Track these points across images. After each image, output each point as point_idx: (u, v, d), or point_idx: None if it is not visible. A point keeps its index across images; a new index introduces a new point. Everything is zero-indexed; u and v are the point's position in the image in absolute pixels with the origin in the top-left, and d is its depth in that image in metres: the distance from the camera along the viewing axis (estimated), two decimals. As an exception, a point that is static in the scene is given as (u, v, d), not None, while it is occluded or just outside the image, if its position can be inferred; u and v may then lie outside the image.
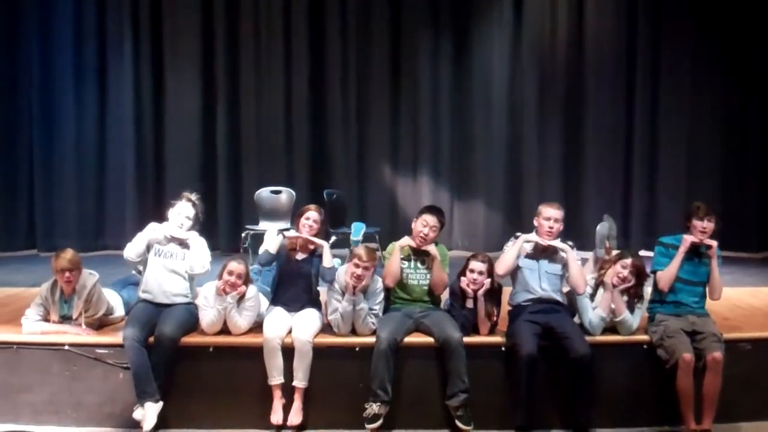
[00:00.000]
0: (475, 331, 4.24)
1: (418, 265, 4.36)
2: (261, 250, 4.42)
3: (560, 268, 4.28)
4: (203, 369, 4.18)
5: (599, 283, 4.30)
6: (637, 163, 8.17)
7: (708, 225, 4.21)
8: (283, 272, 4.39)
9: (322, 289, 4.46)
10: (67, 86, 8.06)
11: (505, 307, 4.38)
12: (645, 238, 7.64)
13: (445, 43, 8.22)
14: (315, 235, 4.35)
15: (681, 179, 8.09)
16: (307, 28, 8.14)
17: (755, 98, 8.08)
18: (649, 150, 8.16)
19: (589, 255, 5.67)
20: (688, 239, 4.23)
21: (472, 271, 4.18)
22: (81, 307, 4.21)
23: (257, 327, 4.26)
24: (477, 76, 8.28)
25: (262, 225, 6.80)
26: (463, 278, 4.21)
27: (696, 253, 4.28)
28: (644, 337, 4.22)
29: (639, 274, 4.21)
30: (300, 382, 4.07)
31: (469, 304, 4.19)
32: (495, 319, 4.29)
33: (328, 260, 4.32)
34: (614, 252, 4.73)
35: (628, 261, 4.20)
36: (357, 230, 6.13)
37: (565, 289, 4.34)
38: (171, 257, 4.32)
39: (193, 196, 4.42)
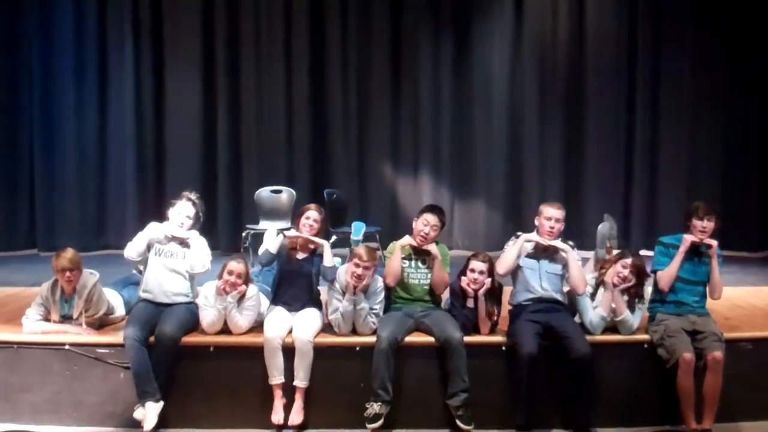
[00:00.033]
0: (476, 330, 4.24)
1: (419, 264, 4.36)
2: (261, 250, 4.42)
3: (561, 268, 4.28)
4: (204, 369, 4.18)
5: (600, 283, 4.30)
6: (637, 162, 8.17)
7: (708, 224, 4.21)
8: (284, 272, 4.39)
9: (323, 289, 4.47)
10: (67, 86, 8.07)
11: (506, 307, 4.38)
12: (645, 237, 7.63)
13: (445, 42, 8.23)
14: (315, 235, 4.35)
15: (681, 179, 8.08)
16: (307, 28, 8.15)
17: (756, 98, 8.07)
18: (649, 149, 8.15)
19: (590, 254, 5.67)
20: (688, 239, 4.22)
21: (472, 270, 4.18)
22: (81, 307, 4.21)
23: (258, 327, 4.26)
24: (477, 75, 8.28)
25: (263, 224, 6.80)
26: (463, 278, 4.21)
27: (696, 252, 4.28)
28: (645, 337, 4.22)
29: (639, 273, 4.20)
30: (301, 381, 4.07)
31: (470, 303, 4.19)
32: (495, 318, 4.30)
33: (328, 259, 4.32)
34: (615, 251, 4.73)
35: (629, 260, 4.19)
36: (357, 230, 6.13)
37: (566, 288, 4.34)
38: (171, 257, 4.32)
39: (194, 196, 4.42)
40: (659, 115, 8.13)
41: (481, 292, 4.16)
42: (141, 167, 8.16)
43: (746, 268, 7.06)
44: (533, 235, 4.30)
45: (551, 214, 4.24)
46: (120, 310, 4.50)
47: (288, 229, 4.95)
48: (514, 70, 8.23)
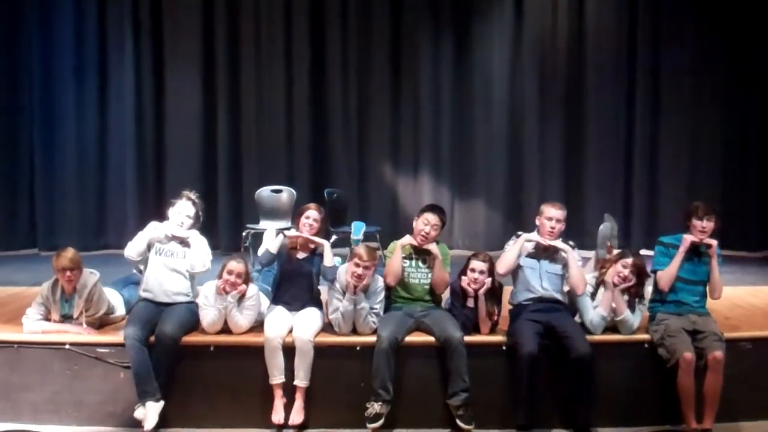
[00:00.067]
0: (476, 330, 4.24)
1: (420, 264, 4.36)
2: (261, 251, 4.42)
3: (561, 268, 4.28)
4: (204, 368, 4.18)
5: (600, 282, 4.30)
6: (637, 162, 8.17)
7: (707, 224, 4.21)
8: (284, 271, 4.39)
9: (323, 288, 4.47)
10: (67, 85, 8.08)
11: (506, 306, 4.38)
12: (646, 237, 7.63)
13: (445, 42, 8.23)
14: (315, 234, 4.35)
15: (682, 178, 8.08)
16: (307, 28, 8.15)
17: (756, 97, 8.07)
18: (649, 149, 8.15)
19: (590, 254, 5.67)
20: (687, 239, 4.22)
21: (473, 270, 4.18)
22: (82, 307, 4.21)
23: (258, 326, 4.26)
24: (477, 75, 8.28)
25: (263, 224, 6.80)
26: (463, 277, 4.21)
27: (696, 252, 4.27)
28: (645, 337, 4.22)
29: (640, 273, 4.20)
30: (301, 381, 4.07)
31: (470, 303, 4.19)
32: (496, 318, 4.30)
33: (328, 259, 4.32)
34: (615, 251, 4.72)
35: (629, 260, 4.19)
36: (357, 229, 6.13)
37: (566, 288, 4.34)
38: (172, 256, 4.32)
39: (193, 195, 4.43)
40: (659, 112, 8.13)
41: (482, 291, 4.16)
42: (141, 167, 8.16)
43: (746, 267, 7.06)
44: (534, 235, 4.30)
45: (552, 215, 4.24)
46: (120, 310, 4.50)
47: (288, 228, 4.95)
48: (514, 70, 8.24)
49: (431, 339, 4.14)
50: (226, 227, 8.07)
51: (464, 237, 8.29)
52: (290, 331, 4.15)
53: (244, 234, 7.00)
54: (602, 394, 4.12)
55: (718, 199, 7.44)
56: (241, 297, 4.19)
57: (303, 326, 4.14)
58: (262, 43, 8.20)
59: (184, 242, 4.34)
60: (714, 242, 4.22)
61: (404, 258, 4.34)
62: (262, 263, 4.45)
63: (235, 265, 4.17)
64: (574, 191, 8.12)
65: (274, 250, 4.34)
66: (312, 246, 4.39)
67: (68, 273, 4.13)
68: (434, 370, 4.14)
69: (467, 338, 4.09)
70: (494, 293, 4.26)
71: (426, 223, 4.28)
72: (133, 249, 4.30)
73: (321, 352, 4.12)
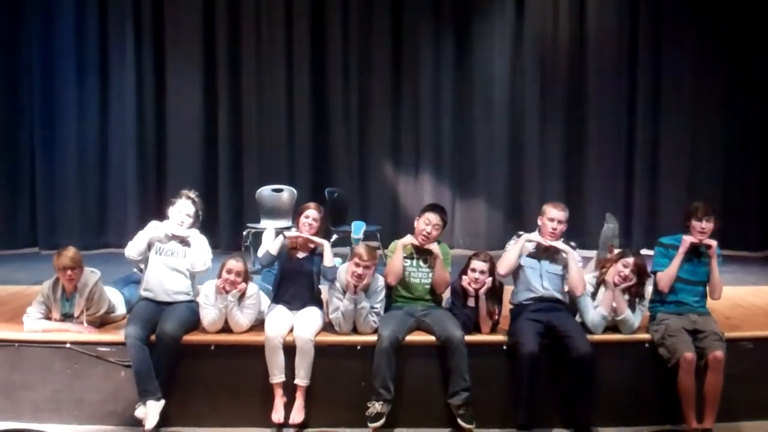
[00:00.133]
0: (477, 329, 4.24)
1: (421, 263, 4.36)
2: (261, 251, 4.42)
3: (561, 269, 4.28)
4: (205, 367, 4.18)
5: (601, 282, 4.30)
6: (638, 161, 8.16)
7: (707, 225, 4.20)
8: (285, 271, 4.39)
9: (324, 288, 4.47)
10: (68, 85, 8.08)
11: (507, 306, 4.38)
12: (646, 237, 7.63)
13: (446, 42, 8.22)
14: (315, 233, 4.35)
15: (682, 178, 8.07)
16: (308, 28, 8.15)
17: (756, 98, 8.06)
18: (650, 149, 8.14)
19: (590, 254, 5.66)
20: (687, 240, 4.22)
21: (473, 270, 4.18)
22: (83, 305, 4.22)
23: (259, 325, 4.26)
24: (478, 75, 8.28)
25: (264, 223, 6.80)
26: (464, 277, 4.21)
27: (696, 253, 4.27)
28: (646, 336, 4.22)
29: (640, 272, 4.20)
30: (301, 380, 4.07)
31: (471, 302, 4.19)
32: (497, 317, 4.29)
33: (328, 259, 4.32)
34: (616, 251, 4.72)
35: (630, 260, 4.19)
36: (357, 229, 6.14)
37: (566, 288, 4.34)
38: (172, 255, 4.32)
39: (193, 194, 4.43)
40: (660, 115, 8.12)
41: (482, 291, 4.16)
42: (142, 166, 8.16)
43: (747, 267, 7.06)
44: (535, 235, 4.30)
45: (554, 215, 4.24)
46: (121, 309, 4.50)
47: (289, 228, 4.95)
48: (515, 70, 8.23)
49: (432, 338, 4.14)
50: (227, 226, 8.07)
51: (465, 236, 8.29)
52: (291, 331, 4.15)
53: (244, 233, 7.00)
54: (603, 394, 4.12)
55: (719, 199, 7.43)
56: (242, 296, 4.19)
57: (304, 325, 4.14)
58: (262, 42, 8.20)
59: (184, 241, 4.34)
60: (714, 243, 4.22)
61: (405, 257, 4.34)
62: (263, 264, 4.46)
63: (234, 263, 4.17)
64: (575, 191, 8.12)
65: (274, 251, 4.34)
66: (312, 246, 4.39)
67: (69, 272, 4.13)
68: (435, 370, 4.14)
69: (468, 338, 4.09)
70: (495, 293, 4.26)
71: (427, 222, 4.28)
72: (133, 248, 4.30)
73: (321, 351, 4.12)
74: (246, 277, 4.22)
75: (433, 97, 8.25)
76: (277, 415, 4.04)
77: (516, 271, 4.32)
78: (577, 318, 4.25)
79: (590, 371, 3.97)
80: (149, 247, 4.31)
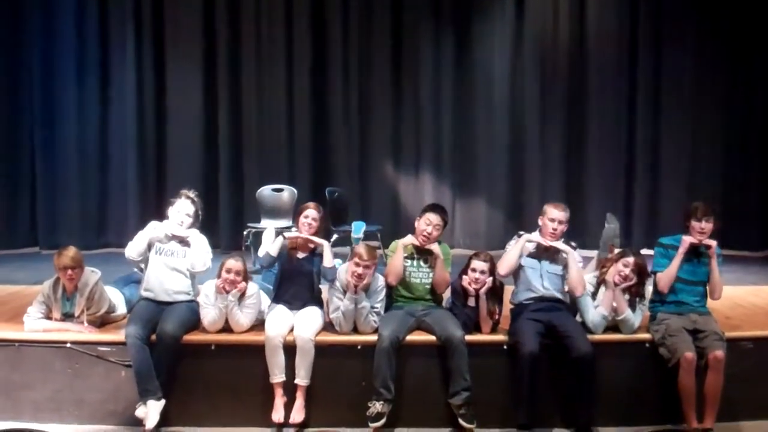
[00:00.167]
0: (477, 329, 4.24)
1: (421, 263, 4.36)
2: (261, 252, 4.42)
3: (562, 269, 4.28)
4: (205, 367, 4.18)
5: (601, 282, 4.30)
6: (639, 161, 8.16)
7: (706, 225, 4.20)
8: (285, 271, 4.39)
9: (324, 287, 4.47)
10: (68, 84, 8.08)
11: (507, 306, 4.38)
12: (646, 236, 7.62)
13: (446, 42, 8.22)
14: (315, 233, 4.35)
15: (682, 178, 8.07)
16: (308, 28, 8.15)
17: (757, 97, 8.06)
18: (650, 148, 8.14)
19: (591, 253, 5.65)
20: (686, 240, 4.21)
21: (474, 270, 4.17)
22: (83, 305, 4.21)
23: (259, 325, 4.26)
24: (479, 74, 8.28)
25: (264, 223, 6.80)
26: (464, 276, 4.21)
27: (695, 253, 4.27)
28: (646, 336, 4.22)
29: (641, 272, 4.20)
30: (302, 380, 4.07)
31: (471, 302, 4.19)
32: (497, 317, 4.29)
33: (328, 260, 4.32)
34: (616, 250, 4.72)
35: (630, 259, 4.19)
36: (358, 228, 6.14)
37: (567, 288, 4.34)
38: (172, 255, 4.32)
39: (192, 193, 4.42)
40: (660, 114, 8.12)
41: (483, 291, 4.16)
42: (142, 166, 8.17)
43: (747, 267, 7.05)
44: (535, 236, 4.30)
45: (555, 216, 4.24)
46: (121, 308, 4.50)
47: (289, 227, 4.95)
48: (515, 70, 8.23)
49: (432, 338, 4.14)
50: (227, 226, 8.07)
51: (465, 236, 8.29)
52: (291, 330, 4.15)
53: (245, 233, 7.00)
54: (603, 394, 4.12)
55: (719, 199, 7.43)
56: (242, 295, 4.19)
57: (304, 325, 4.15)
58: (262, 42, 8.20)
59: (184, 241, 4.34)
60: (713, 243, 4.21)
61: (406, 258, 4.34)
62: (263, 265, 4.46)
63: (233, 263, 4.17)
64: (575, 191, 8.11)
65: (274, 252, 4.34)
66: (312, 246, 4.39)
67: (69, 271, 4.13)
68: (435, 369, 4.14)
69: (468, 337, 4.09)
70: (495, 292, 4.26)
71: (428, 223, 4.28)
72: (133, 249, 4.30)
73: (322, 350, 4.12)
74: (245, 276, 4.22)
75: (433, 97, 8.25)
76: (278, 415, 4.04)
77: (516, 271, 4.32)
78: (578, 318, 4.25)
79: (591, 371, 3.97)
80: (149, 247, 4.31)
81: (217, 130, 8.19)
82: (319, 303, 4.41)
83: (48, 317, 4.22)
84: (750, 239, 7.92)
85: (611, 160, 8.21)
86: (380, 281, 4.28)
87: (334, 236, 6.48)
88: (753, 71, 8.02)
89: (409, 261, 4.35)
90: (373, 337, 4.10)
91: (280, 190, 7.11)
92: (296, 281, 4.35)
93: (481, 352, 4.14)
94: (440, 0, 8.21)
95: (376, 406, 3.95)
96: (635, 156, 8.18)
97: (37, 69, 8.04)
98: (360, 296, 4.13)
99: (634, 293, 4.24)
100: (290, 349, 4.08)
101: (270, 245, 4.36)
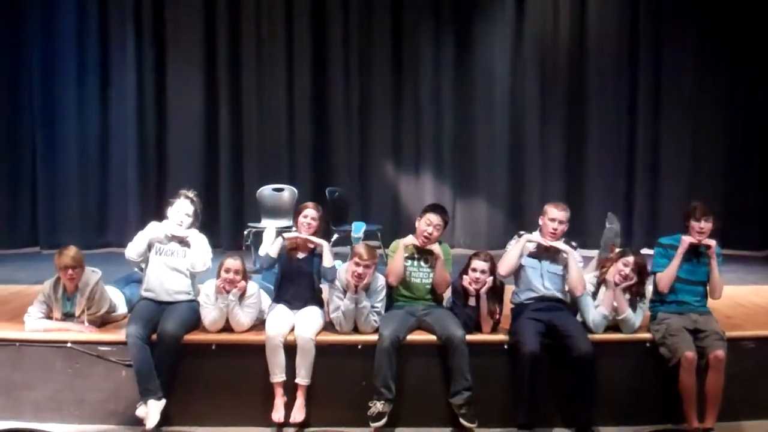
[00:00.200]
0: (478, 328, 4.24)
1: (422, 263, 4.36)
2: (261, 253, 4.42)
3: (562, 269, 4.28)
4: (206, 366, 4.19)
5: (601, 281, 4.30)
6: (639, 161, 8.16)
7: (705, 225, 4.20)
8: (285, 271, 4.39)
9: (325, 287, 4.47)
10: (69, 84, 8.08)
11: (508, 305, 4.38)
12: (647, 236, 7.62)
13: (447, 41, 8.22)
14: (314, 232, 4.35)
15: (683, 177, 8.08)
16: (308, 28, 8.16)
17: (757, 97, 8.07)
18: (651, 148, 8.14)
19: (591, 253, 5.65)
20: (686, 240, 4.21)
21: (474, 270, 4.17)
22: (84, 305, 4.22)
23: (260, 325, 4.26)
24: (479, 74, 8.28)
25: (264, 223, 6.80)
26: (465, 276, 4.21)
27: (695, 253, 4.27)
28: (646, 336, 4.22)
29: (641, 272, 4.20)
30: (302, 379, 4.07)
31: (471, 302, 4.19)
32: (497, 316, 4.29)
33: (328, 260, 4.32)
34: (617, 250, 4.72)
35: (630, 259, 4.19)
36: (358, 228, 6.14)
37: (567, 288, 4.34)
38: (172, 255, 4.33)
39: (192, 193, 4.42)
40: (660, 114, 8.12)
41: (483, 290, 4.16)
42: (142, 166, 8.17)
43: (748, 266, 7.05)
44: (535, 236, 4.31)
45: (555, 216, 4.24)
46: (122, 308, 4.51)
47: (289, 227, 4.95)
48: (516, 70, 8.23)
49: (433, 338, 4.14)
50: (228, 226, 8.07)
51: (465, 236, 8.29)
52: (292, 330, 4.15)
53: (245, 233, 6.99)
54: (604, 393, 4.12)
55: (719, 199, 7.44)
56: (242, 295, 4.19)
57: (304, 325, 4.15)
58: (263, 42, 8.20)
59: (183, 241, 4.34)
60: (713, 243, 4.21)
61: (406, 258, 4.34)
62: (264, 267, 4.46)
63: (232, 262, 4.17)
64: (576, 191, 8.11)
65: (274, 254, 4.34)
66: (311, 245, 4.39)
67: (70, 271, 4.13)
68: (436, 369, 4.14)
69: (469, 337, 4.09)
70: (496, 292, 4.26)
71: (429, 223, 4.28)
72: (133, 250, 4.30)
73: (322, 350, 4.12)
74: (245, 275, 4.22)
75: (433, 96, 8.25)
76: (278, 415, 4.04)
77: (517, 271, 4.32)
78: (578, 317, 4.25)
79: (591, 370, 3.98)
80: (149, 247, 4.32)
81: (217, 130, 8.20)
82: (319, 303, 4.42)
83: (49, 317, 4.23)
84: (750, 239, 7.92)
85: (611, 160, 8.21)
86: (380, 281, 4.28)
87: (335, 236, 6.48)
88: (753, 71, 8.03)
89: (410, 261, 4.35)
90: (374, 337, 4.10)
91: (280, 190, 7.11)
92: (296, 281, 4.36)
93: (482, 351, 4.14)
94: (440, 0, 8.21)
95: (377, 406, 3.95)
96: (635, 156, 8.18)
97: (38, 69, 8.04)
98: (360, 296, 4.13)
99: (635, 293, 4.24)
100: (291, 349, 4.08)
101: (269, 246, 4.36)
